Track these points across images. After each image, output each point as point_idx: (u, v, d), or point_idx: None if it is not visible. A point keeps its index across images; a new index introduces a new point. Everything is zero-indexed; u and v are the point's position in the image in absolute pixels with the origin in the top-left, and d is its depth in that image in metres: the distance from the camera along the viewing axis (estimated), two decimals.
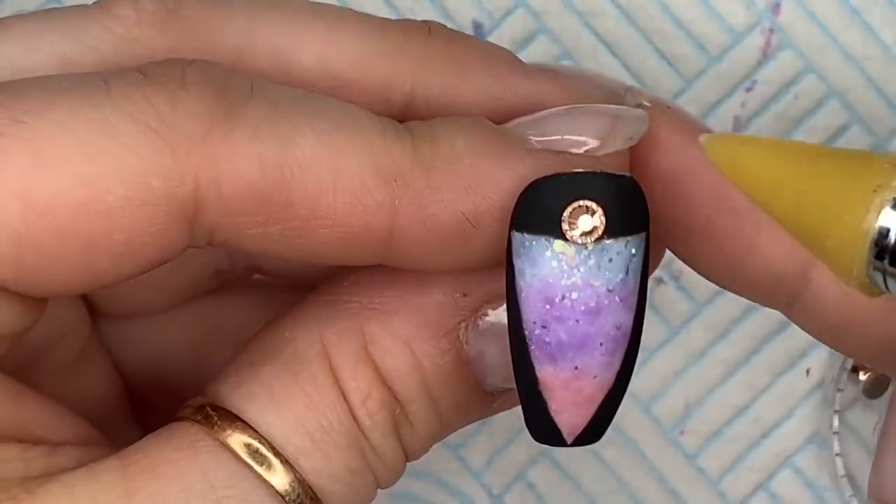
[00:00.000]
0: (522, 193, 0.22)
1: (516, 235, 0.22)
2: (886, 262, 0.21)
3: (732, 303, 0.36)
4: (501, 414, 0.33)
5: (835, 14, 0.36)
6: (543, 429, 0.23)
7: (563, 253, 0.22)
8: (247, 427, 0.23)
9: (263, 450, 0.22)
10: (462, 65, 0.24)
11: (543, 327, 0.22)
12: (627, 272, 0.22)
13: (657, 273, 0.36)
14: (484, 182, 0.22)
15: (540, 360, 0.22)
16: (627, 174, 0.23)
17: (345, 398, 0.23)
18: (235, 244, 0.22)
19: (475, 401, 0.25)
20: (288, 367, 0.23)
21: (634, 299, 0.22)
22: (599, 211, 0.22)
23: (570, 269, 0.22)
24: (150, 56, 0.23)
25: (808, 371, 0.36)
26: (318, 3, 0.25)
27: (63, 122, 0.21)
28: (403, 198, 0.22)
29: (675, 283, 0.36)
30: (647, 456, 0.36)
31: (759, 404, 0.37)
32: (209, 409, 0.23)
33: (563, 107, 0.24)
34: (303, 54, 0.24)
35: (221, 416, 0.23)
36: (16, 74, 0.23)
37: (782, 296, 0.24)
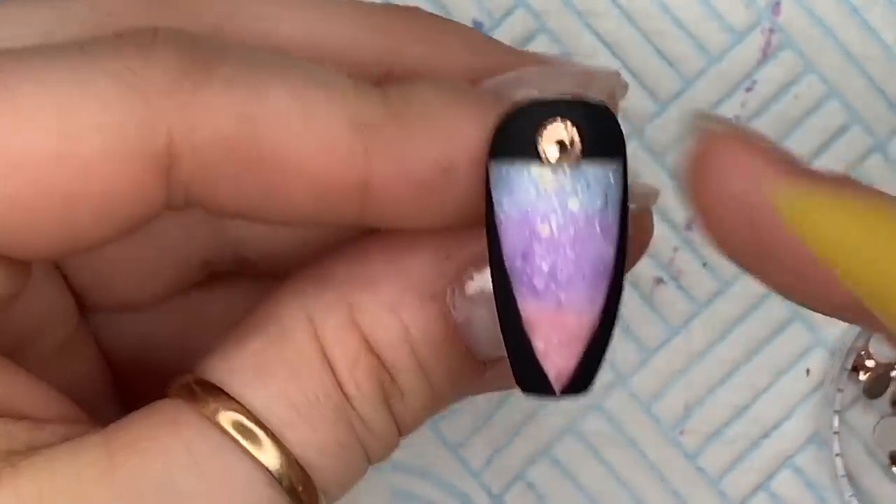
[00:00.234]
0: (498, 123, 0.22)
1: (493, 166, 0.22)
2: None
3: (732, 303, 0.36)
4: (501, 414, 0.32)
5: (835, 14, 0.36)
6: (530, 375, 0.23)
7: (540, 177, 0.22)
8: (231, 401, 0.23)
9: (248, 423, 0.22)
10: (441, 39, 0.25)
11: (524, 258, 0.22)
12: (606, 202, 0.22)
13: (657, 273, 0.36)
14: (456, 130, 0.22)
15: (523, 295, 0.22)
16: (601, 101, 0.23)
17: (332, 369, 0.23)
18: (212, 203, 0.22)
19: (467, 369, 0.24)
20: (274, 342, 0.23)
21: (615, 232, 0.22)
22: (574, 130, 0.22)
23: (548, 194, 0.22)
24: None
25: (808, 371, 0.36)
26: None
27: (37, 78, 0.21)
28: (375, 145, 0.22)
29: (675, 283, 0.36)
30: (647, 456, 0.36)
31: (759, 404, 0.37)
32: (193, 385, 0.23)
33: (537, 67, 0.24)
34: (284, 31, 0.24)
35: (206, 391, 0.23)
36: None
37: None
